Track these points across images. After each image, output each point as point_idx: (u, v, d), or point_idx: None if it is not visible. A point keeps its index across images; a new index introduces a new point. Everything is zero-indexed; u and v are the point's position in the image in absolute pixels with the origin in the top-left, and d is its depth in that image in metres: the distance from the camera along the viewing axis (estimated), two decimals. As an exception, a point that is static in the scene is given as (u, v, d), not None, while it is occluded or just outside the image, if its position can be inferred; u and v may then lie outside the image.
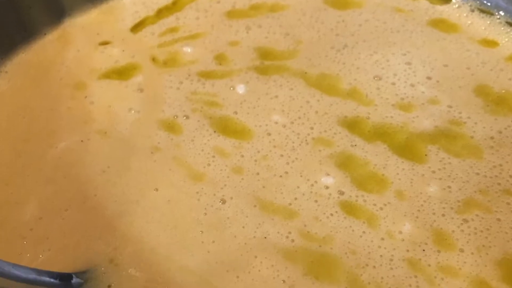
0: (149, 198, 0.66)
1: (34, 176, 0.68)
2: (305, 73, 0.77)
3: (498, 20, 0.81)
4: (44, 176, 0.68)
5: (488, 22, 0.81)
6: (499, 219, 0.63)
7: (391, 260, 0.61)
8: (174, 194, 0.66)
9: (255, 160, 0.69)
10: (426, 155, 0.68)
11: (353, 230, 0.63)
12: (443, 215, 0.63)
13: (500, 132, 0.70)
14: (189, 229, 0.63)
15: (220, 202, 0.65)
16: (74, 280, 0.59)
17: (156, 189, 0.67)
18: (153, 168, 0.69)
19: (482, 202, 0.64)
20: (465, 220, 0.63)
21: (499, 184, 0.65)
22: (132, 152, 0.70)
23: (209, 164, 0.68)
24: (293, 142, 0.70)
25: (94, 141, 0.72)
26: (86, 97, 0.76)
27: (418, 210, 0.64)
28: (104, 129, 0.72)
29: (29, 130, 0.73)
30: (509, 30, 0.80)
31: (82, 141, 0.71)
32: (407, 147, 0.69)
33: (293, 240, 0.62)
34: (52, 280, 0.56)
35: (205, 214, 0.64)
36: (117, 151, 0.70)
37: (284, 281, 0.59)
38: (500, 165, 0.67)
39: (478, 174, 0.66)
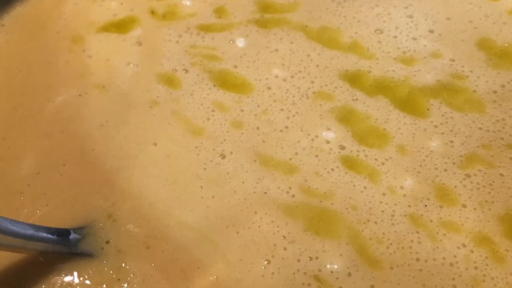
0: (148, 152, 0.62)
1: (31, 131, 0.64)
2: (306, 26, 0.71)
3: (501, -27, 0.75)
4: (42, 130, 0.64)
5: (491, -25, 0.75)
6: (502, 174, 0.59)
7: (393, 215, 0.56)
8: (173, 148, 0.62)
9: (255, 115, 0.64)
10: (428, 109, 0.64)
11: (354, 186, 0.58)
12: (446, 170, 0.59)
13: (503, 86, 0.65)
14: (189, 184, 0.59)
15: (219, 157, 0.61)
16: (72, 235, 0.55)
17: (155, 144, 0.62)
18: (152, 122, 0.64)
19: (485, 157, 0.60)
20: (468, 175, 0.59)
21: (502, 138, 0.61)
22: (130, 106, 0.66)
23: (208, 119, 0.64)
24: (294, 96, 0.65)
25: (92, 95, 0.67)
26: (84, 50, 0.71)
27: (420, 165, 0.59)
28: (102, 83, 0.68)
29: (26, 84, 0.68)
30: (512, -18, 0.74)
31: (80, 95, 0.67)
32: (409, 101, 0.64)
33: (293, 196, 0.58)
34: (49, 235, 0.53)
35: (205, 169, 0.60)
36: (115, 105, 0.66)
37: (284, 236, 0.55)
38: (503, 119, 0.62)
39: (480, 128, 0.62)
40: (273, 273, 0.54)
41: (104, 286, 0.54)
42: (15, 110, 0.66)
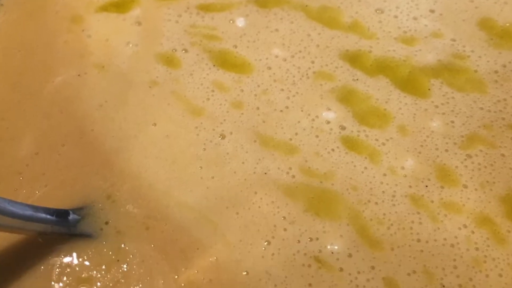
0: (147, 133, 0.60)
1: (30, 111, 0.62)
2: (306, 6, 0.68)
3: (502, -48, 0.71)
4: (40, 111, 0.62)
5: (493, -47, 0.72)
6: (503, 155, 0.56)
7: (394, 196, 0.54)
8: (172, 129, 0.60)
9: (255, 95, 0.61)
10: (429, 89, 0.61)
11: (354, 166, 0.56)
12: (447, 150, 0.57)
13: (505, 66, 0.63)
14: (188, 164, 0.57)
15: (219, 137, 0.58)
16: (71, 216, 0.54)
17: (154, 124, 0.60)
18: (151, 102, 0.62)
19: (486, 137, 0.58)
20: (469, 156, 0.56)
21: (503, 119, 0.59)
22: (130, 86, 0.63)
23: (208, 99, 0.61)
24: (294, 76, 0.63)
25: (91, 75, 0.64)
26: (83, 30, 0.68)
27: (421, 146, 0.57)
28: (101, 63, 0.65)
29: (25, 64, 0.65)
30: (513, -39, 0.71)
31: (79, 75, 0.64)
32: (409, 81, 0.62)
33: (293, 176, 0.56)
34: (48, 216, 0.52)
35: (204, 149, 0.58)
36: (114, 85, 0.63)
37: (284, 217, 0.53)
38: (505, 99, 0.60)
39: (482, 108, 0.59)
40: (273, 254, 0.52)
41: (103, 267, 0.52)
42: (13, 90, 0.63)
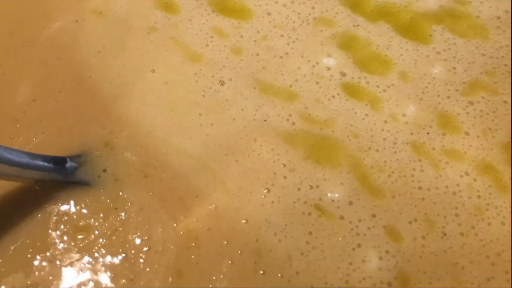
0: (146, 79, 0.53)
1: (27, 58, 0.55)
2: (306, -50, 0.60)
3: None
4: (38, 57, 0.55)
5: None
6: (505, 101, 0.50)
7: (395, 143, 0.48)
8: (171, 75, 0.53)
9: (255, 41, 0.54)
10: (430, 35, 0.54)
11: (355, 113, 0.50)
12: (448, 97, 0.51)
13: (507, 12, 0.56)
14: (187, 111, 0.51)
15: (218, 83, 0.52)
16: (69, 164, 0.48)
17: (153, 71, 0.53)
18: (149, 48, 0.55)
19: (488, 83, 0.51)
20: (471, 102, 0.50)
21: (505, 65, 0.52)
22: (128, 32, 0.56)
23: (207, 45, 0.54)
24: (294, 22, 0.56)
25: (89, 21, 0.57)
26: (80, -25, 0.60)
27: (422, 92, 0.51)
28: (99, 9, 0.58)
29: (21, 10, 0.58)
30: None
31: (76, 21, 0.57)
32: (411, 27, 0.55)
33: (293, 123, 0.49)
34: (46, 163, 0.46)
35: (203, 96, 0.51)
36: (112, 31, 0.57)
37: (284, 165, 0.47)
38: (507, 45, 0.54)
39: (484, 55, 0.53)
40: (273, 202, 0.46)
41: (101, 215, 0.46)
42: (10, 37, 0.56)
